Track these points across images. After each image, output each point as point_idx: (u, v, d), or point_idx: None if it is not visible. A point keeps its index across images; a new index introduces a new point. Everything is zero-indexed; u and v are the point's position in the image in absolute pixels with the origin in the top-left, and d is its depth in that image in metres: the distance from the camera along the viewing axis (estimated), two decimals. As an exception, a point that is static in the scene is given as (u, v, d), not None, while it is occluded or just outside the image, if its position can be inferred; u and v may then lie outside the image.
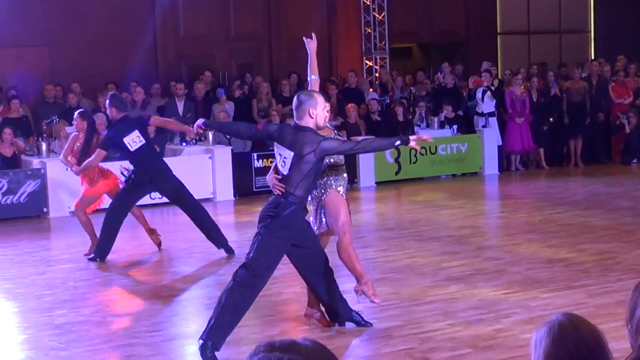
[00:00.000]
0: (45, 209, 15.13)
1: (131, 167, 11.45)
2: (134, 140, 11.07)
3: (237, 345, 7.57)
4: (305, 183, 7.36)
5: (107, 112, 11.75)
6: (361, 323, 7.96)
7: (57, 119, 16.17)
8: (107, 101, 11.50)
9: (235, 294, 7.29)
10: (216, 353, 7.17)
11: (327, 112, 7.48)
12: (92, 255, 11.39)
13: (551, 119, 19.61)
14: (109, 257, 11.43)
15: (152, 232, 11.88)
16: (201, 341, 7.22)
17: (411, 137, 7.51)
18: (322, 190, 7.85)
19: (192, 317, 8.81)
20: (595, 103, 19.80)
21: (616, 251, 10.89)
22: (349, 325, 7.98)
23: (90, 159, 11.26)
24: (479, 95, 18.99)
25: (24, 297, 9.70)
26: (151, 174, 11.20)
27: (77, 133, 11.74)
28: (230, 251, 11.51)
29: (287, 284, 9.53)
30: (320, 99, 7.47)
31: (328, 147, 7.29)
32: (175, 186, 11.41)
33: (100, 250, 11.35)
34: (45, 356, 7.61)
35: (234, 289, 7.31)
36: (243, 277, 7.32)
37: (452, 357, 7.10)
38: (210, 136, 16.49)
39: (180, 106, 17.65)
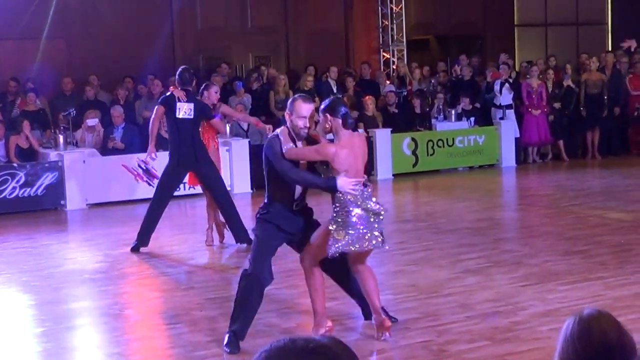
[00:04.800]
0: (62, 202, 15.19)
1: (150, 159, 11.56)
2: (185, 110, 11.20)
3: (252, 338, 7.58)
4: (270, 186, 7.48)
5: (176, 83, 11.87)
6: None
7: (74, 112, 16.23)
8: (177, 73, 11.77)
9: (241, 285, 7.44)
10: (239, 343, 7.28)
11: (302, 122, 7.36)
12: (134, 245, 11.46)
13: (566, 112, 19.58)
14: (126, 249, 11.49)
15: (219, 226, 11.88)
16: (226, 334, 7.39)
17: (341, 182, 7.19)
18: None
19: (210, 309, 8.82)
20: (611, 96, 19.73)
21: (633, 243, 10.86)
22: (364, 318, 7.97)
23: (155, 116, 11.44)
24: (496, 87, 18.98)
25: (41, 289, 9.73)
26: (184, 153, 11.23)
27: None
28: (250, 242, 11.56)
29: (304, 276, 9.53)
30: (298, 107, 7.38)
31: (267, 153, 7.38)
32: (209, 172, 11.42)
33: (140, 240, 11.49)
34: (62, 349, 7.63)
35: (240, 281, 7.48)
36: (243, 272, 7.51)
37: (470, 349, 7.09)
38: (228, 128, 16.51)
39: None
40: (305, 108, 7.39)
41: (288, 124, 7.43)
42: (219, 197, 11.57)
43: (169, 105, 11.30)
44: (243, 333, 7.36)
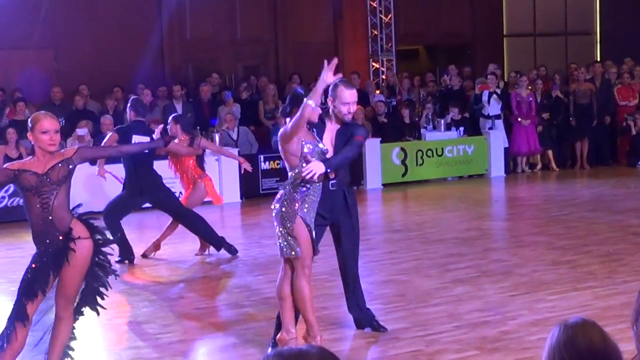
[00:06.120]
0: (52, 211, 15.13)
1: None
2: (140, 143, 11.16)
3: (243, 347, 7.58)
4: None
5: (127, 114, 11.88)
6: (376, 328, 7.93)
7: (63, 121, 16.22)
8: (129, 103, 11.74)
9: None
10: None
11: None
12: (119, 259, 11.47)
13: (555, 122, 19.65)
14: (114, 259, 11.47)
15: (157, 247, 11.88)
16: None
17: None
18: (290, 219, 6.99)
19: (199, 318, 8.82)
20: (600, 105, 19.82)
21: (622, 253, 10.89)
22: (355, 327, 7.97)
23: (105, 140, 11.39)
24: (485, 98, 19.02)
25: (31, 299, 9.68)
26: (142, 185, 11.26)
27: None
28: (233, 252, 11.57)
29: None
30: (341, 93, 7.46)
31: None
32: (166, 198, 11.44)
33: (123, 253, 11.49)
34: (52, 358, 7.60)
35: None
36: None
37: (458, 359, 7.10)
38: (217, 138, 16.52)
39: (178, 108, 17.69)
40: (348, 94, 7.36)
41: (331, 110, 7.37)
42: (181, 219, 11.61)
43: (125, 136, 11.27)
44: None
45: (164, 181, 11.66)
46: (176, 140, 11.45)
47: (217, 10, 21.41)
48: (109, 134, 11.45)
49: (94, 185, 14.94)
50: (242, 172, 12.39)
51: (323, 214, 7.35)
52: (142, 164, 11.24)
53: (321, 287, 9.36)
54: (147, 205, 12.24)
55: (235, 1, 21.76)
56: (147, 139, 11.14)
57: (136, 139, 11.16)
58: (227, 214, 14.98)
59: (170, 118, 12.20)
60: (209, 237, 11.62)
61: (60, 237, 6.44)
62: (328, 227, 7.62)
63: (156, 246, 11.86)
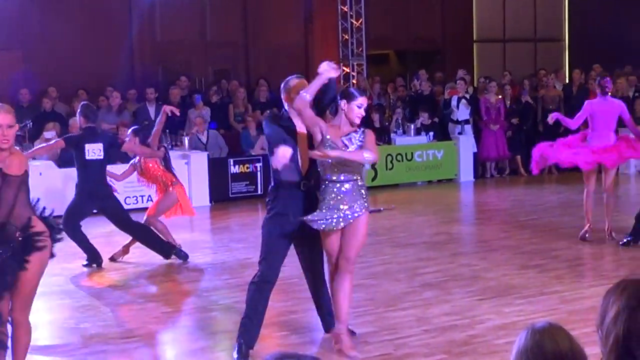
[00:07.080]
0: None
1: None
2: (94, 150, 11.09)
3: (211, 351, 7.56)
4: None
5: (77, 121, 11.80)
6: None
7: (31, 123, 16.11)
8: (78, 109, 11.64)
9: (251, 289, 7.39)
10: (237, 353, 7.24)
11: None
12: (87, 263, 11.40)
13: (524, 127, 19.73)
14: (80, 263, 11.39)
15: (125, 251, 11.82)
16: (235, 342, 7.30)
17: None
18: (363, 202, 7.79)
19: (165, 322, 8.78)
20: (574, 112, 19.86)
21: (588, 257, 10.98)
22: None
23: (49, 144, 11.39)
24: (453, 102, 19.08)
25: (-3, 302, 9.61)
26: (93, 191, 11.20)
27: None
28: (183, 257, 11.52)
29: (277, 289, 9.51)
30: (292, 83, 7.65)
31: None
32: (115, 208, 11.40)
33: (90, 257, 11.42)
34: (17, 362, 7.54)
35: (250, 285, 7.42)
36: (256, 273, 7.42)
37: (426, 363, 7.12)
38: (187, 141, 16.47)
39: (151, 110, 17.61)
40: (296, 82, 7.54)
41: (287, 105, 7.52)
42: (127, 230, 11.56)
43: (77, 146, 11.14)
44: (253, 342, 7.32)
45: (134, 187, 11.61)
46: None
47: (187, 12, 21.36)
48: (56, 140, 11.39)
49: (51, 188, 14.87)
50: (171, 114, 12.14)
51: (293, 217, 7.36)
52: (94, 171, 11.17)
53: (290, 290, 9.35)
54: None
55: (205, 3, 21.74)
56: (99, 145, 11.09)
57: (89, 147, 11.07)
58: (196, 218, 14.90)
59: (129, 130, 12.16)
60: (156, 247, 11.54)
61: (21, 230, 6.22)
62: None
63: (125, 250, 11.81)
